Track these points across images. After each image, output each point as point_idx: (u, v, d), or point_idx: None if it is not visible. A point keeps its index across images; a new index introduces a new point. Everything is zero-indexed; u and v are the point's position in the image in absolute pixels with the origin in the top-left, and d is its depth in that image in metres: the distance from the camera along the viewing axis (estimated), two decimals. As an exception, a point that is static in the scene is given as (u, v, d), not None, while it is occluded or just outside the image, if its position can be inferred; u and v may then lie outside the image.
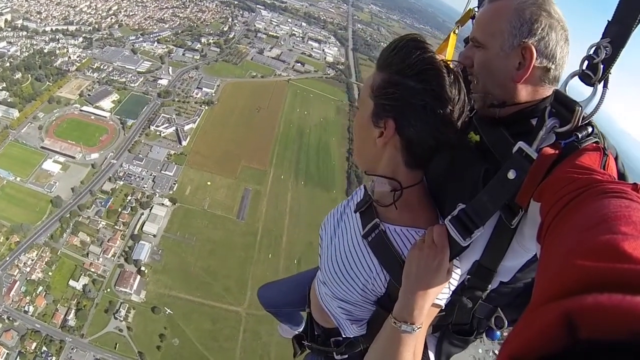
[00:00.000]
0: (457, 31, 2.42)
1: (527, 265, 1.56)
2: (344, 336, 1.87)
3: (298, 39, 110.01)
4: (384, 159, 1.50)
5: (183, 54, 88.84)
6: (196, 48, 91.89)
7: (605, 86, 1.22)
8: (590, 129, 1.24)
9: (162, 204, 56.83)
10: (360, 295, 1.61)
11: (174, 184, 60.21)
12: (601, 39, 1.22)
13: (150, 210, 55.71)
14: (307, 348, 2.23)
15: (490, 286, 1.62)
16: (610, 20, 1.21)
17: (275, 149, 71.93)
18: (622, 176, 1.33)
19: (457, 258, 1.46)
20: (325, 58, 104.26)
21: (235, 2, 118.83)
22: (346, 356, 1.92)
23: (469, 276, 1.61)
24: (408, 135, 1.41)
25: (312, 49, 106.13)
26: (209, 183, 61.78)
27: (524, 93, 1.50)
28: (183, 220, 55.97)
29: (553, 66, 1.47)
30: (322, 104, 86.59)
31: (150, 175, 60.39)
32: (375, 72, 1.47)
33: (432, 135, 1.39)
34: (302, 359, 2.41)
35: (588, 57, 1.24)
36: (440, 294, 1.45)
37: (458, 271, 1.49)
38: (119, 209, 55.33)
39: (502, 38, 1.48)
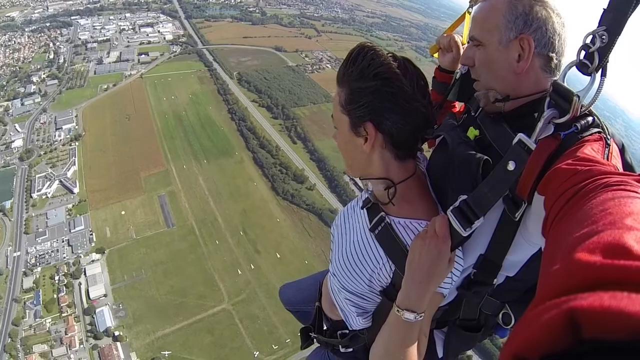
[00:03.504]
0: (471, 11, 1.87)
1: (534, 260, 1.27)
2: (350, 329, 1.62)
3: (129, 32, 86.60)
4: (374, 161, 1.32)
5: (22, 104, 64.81)
6: (32, 91, 67.44)
7: (603, 75, 1.02)
8: (590, 119, 1.05)
9: (92, 261, 43.09)
10: (367, 286, 1.41)
11: (91, 234, 45.81)
12: (597, 27, 1.03)
13: (85, 274, 41.85)
14: (313, 340, 1.90)
15: (496, 280, 1.35)
16: (605, 8, 1.02)
17: (164, 145, 58.01)
18: (629, 167, 1.13)
19: (460, 249, 1.26)
20: (164, 38, 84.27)
21: (48, 25, 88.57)
22: (351, 349, 1.67)
23: (474, 270, 1.34)
24: (388, 130, 1.25)
25: (147, 35, 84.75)
26: (122, 213, 48.33)
27: (527, 85, 1.25)
28: (121, 262, 43.31)
29: (553, 55, 1.23)
30: (184, 82, 70.93)
31: (63, 242, 45.14)
32: (338, 89, 1.31)
33: (406, 120, 1.25)
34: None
35: (584, 46, 1.04)
36: (443, 283, 1.26)
37: (460, 261, 1.29)
38: (55, 296, 40.60)
39: (499, 33, 1.25)
